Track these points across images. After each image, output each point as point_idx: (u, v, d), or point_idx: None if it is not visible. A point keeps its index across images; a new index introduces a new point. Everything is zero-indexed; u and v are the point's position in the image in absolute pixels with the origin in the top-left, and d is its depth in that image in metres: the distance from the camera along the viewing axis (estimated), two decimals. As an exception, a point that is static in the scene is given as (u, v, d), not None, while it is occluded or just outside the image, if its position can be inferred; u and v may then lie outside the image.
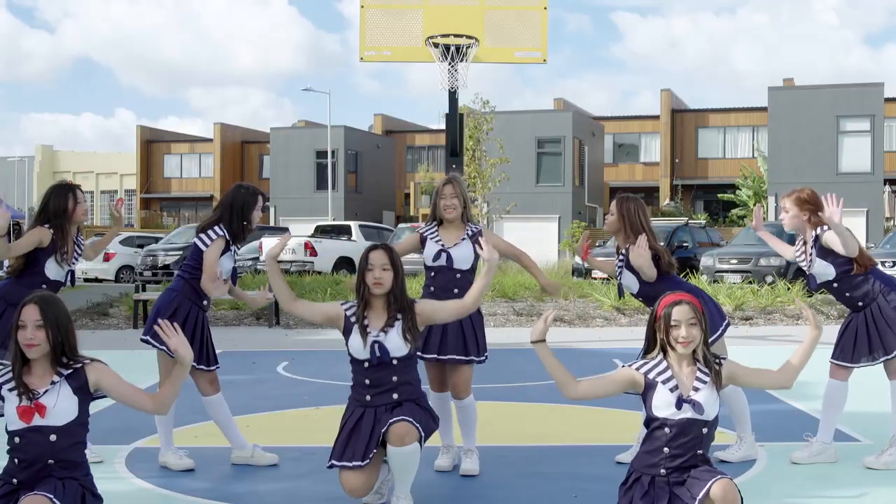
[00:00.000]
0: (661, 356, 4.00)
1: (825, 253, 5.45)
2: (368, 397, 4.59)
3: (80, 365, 3.86)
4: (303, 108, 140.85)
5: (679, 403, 3.88)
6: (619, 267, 5.66)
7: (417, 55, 14.01)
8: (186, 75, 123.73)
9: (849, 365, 5.53)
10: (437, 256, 5.51)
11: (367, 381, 4.60)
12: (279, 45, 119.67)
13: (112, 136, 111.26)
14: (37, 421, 3.75)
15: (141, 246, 28.67)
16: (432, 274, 5.55)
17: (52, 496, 3.67)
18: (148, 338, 5.46)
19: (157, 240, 29.54)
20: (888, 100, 36.60)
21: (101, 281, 28.29)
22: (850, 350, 5.51)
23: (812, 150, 33.28)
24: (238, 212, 5.53)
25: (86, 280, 28.62)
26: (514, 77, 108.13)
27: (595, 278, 19.67)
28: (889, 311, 5.39)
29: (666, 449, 3.88)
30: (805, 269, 5.61)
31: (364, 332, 4.59)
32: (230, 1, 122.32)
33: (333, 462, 4.55)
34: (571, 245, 32.56)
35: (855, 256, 5.39)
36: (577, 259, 22.65)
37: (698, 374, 3.95)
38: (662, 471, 3.87)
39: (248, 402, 7.63)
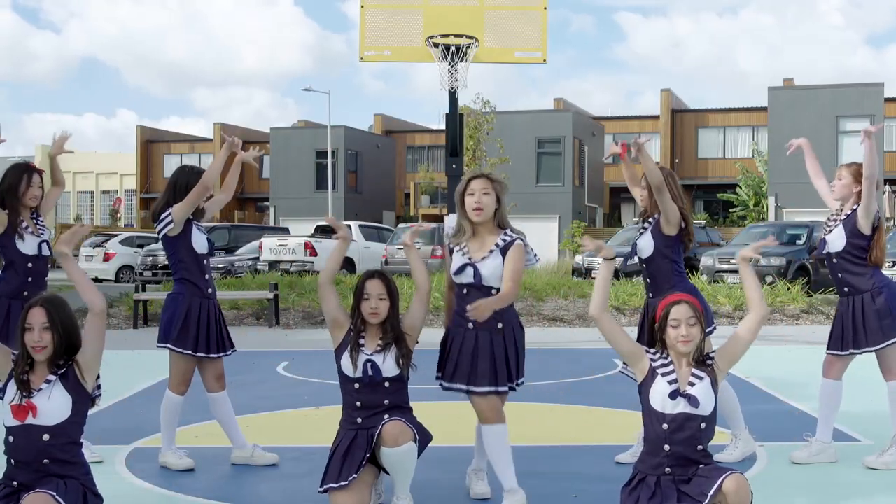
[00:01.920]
0: (666, 351, 4.10)
1: (850, 230, 5.52)
2: (360, 419, 4.54)
3: (70, 363, 3.88)
4: (306, 109, 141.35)
5: (674, 395, 3.95)
6: (640, 231, 5.62)
7: (417, 55, 13.99)
8: (191, 76, 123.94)
9: (843, 353, 5.55)
10: (460, 270, 4.69)
11: (359, 403, 4.57)
12: (284, 45, 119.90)
13: (114, 137, 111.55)
14: (29, 420, 3.77)
15: (141, 246, 28.68)
16: (464, 292, 4.71)
17: (55, 494, 3.69)
18: (169, 345, 5.45)
19: (157, 240, 29.48)
20: (888, 100, 36.59)
21: (100, 281, 28.28)
22: (839, 339, 5.58)
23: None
24: (182, 191, 5.53)
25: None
26: (516, 77, 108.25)
27: (595, 278, 19.65)
28: (871, 310, 5.47)
29: (666, 446, 3.92)
30: (824, 234, 5.70)
31: (357, 351, 4.55)
32: (236, 2, 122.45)
33: (329, 486, 4.40)
34: (571, 245, 32.56)
35: (870, 230, 5.47)
36: (578, 259, 22.61)
37: (693, 371, 4.03)
38: (667, 469, 3.90)
39: (248, 402, 7.62)
